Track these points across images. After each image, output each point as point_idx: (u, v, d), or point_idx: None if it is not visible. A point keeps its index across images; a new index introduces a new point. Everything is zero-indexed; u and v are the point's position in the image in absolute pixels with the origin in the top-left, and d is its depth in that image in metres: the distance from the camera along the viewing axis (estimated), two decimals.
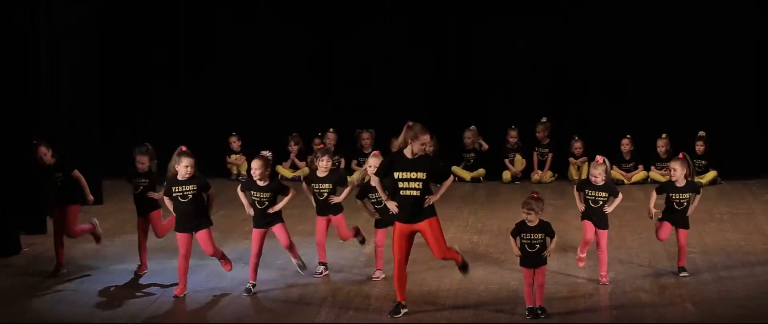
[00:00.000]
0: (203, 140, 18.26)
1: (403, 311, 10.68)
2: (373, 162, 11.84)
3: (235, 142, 18.90)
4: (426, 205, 10.46)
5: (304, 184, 12.28)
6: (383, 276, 11.93)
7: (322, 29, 18.79)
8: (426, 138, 10.50)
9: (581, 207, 11.88)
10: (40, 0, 14.76)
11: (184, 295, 11.38)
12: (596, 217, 11.81)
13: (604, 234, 11.83)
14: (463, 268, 10.97)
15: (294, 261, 11.85)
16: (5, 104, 13.56)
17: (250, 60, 18.85)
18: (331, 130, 18.43)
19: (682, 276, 11.98)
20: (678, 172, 12.04)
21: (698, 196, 12.15)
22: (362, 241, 12.58)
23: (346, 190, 12.16)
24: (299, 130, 18.72)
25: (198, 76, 18.88)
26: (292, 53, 18.82)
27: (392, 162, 10.60)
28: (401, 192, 10.49)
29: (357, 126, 18.54)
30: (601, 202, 11.77)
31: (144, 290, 11.75)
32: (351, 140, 18.52)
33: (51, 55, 15.31)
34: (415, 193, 10.44)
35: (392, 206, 10.54)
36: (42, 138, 12.56)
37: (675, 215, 12.09)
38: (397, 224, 10.59)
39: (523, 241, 10.73)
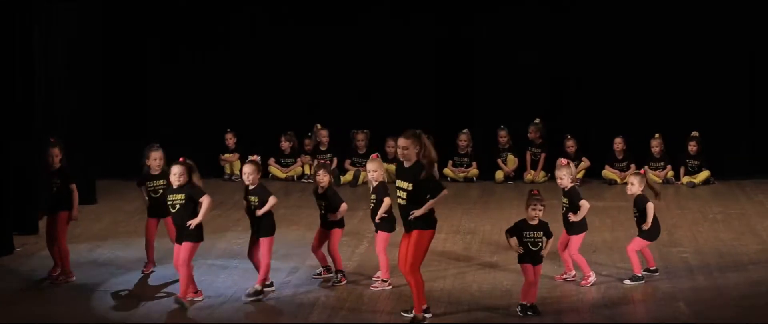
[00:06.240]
0: (197, 137, 18.26)
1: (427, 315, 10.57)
2: (371, 166, 11.74)
3: (230, 139, 18.79)
4: (410, 219, 10.28)
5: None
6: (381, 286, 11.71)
7: (321, 27, 18.73)
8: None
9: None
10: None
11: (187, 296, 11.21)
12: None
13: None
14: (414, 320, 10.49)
15: (252, 287, 11.35)
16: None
17: (248, 58, 18.80)
18: (319, 125, 18.36)
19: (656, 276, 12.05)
20: (636, 186, 11.85)
21: None
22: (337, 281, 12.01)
23: (342, 209, 11.84)
24: (293, 130, 18.62)
25: (196, 74, 18.80)
26: (289, 52, 18.76)
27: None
28: (398, 199, 10.44)
29: (352, 126, 18.48)
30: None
31: (139, 292, 11.72)
32: (346, 140, 18.46)
33: (51, 53, 15.28)
34: (401, 202, 10.35)
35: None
36: (57, 140, 12.30)
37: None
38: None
39: (526, 239, 10.77)
